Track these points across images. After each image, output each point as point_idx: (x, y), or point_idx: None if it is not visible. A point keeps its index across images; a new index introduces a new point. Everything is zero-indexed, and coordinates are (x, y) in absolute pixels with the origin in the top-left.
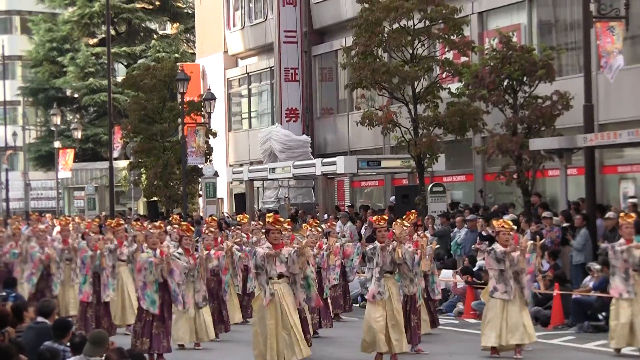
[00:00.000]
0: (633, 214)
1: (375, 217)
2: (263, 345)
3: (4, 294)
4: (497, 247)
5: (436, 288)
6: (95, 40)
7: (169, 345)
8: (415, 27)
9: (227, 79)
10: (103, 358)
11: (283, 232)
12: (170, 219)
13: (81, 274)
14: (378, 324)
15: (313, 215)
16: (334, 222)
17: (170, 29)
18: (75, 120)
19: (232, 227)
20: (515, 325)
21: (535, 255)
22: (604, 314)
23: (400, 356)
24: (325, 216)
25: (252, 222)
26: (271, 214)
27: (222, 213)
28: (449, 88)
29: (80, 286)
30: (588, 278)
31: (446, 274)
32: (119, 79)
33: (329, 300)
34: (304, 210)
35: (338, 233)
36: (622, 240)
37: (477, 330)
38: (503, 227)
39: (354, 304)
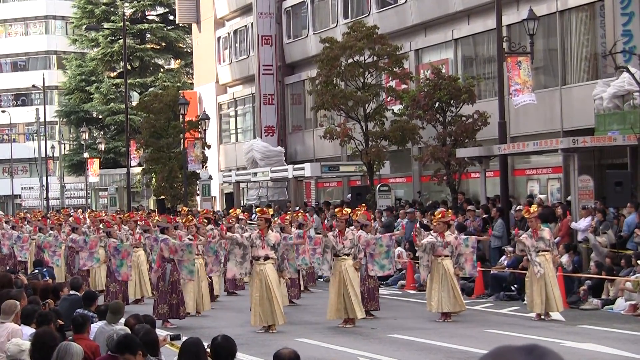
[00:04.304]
0: (535, 208)
1: (337, 209)
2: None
3: (36, 271)
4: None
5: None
6: (115, 73)
7: (183, 313)
8: (366, 61)
9: (219, 103)
10: (123, 322)
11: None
12: (180, 211)
13: (118, 259)
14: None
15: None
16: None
17: (174, 64)
18: (100, 136)
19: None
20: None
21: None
22: (515, 286)
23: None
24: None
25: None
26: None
27: (217, 211)
28: (393, 109)
29: (117, 268)
30: (503, 258)
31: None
32: (134, 103)
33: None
34: (279, 206)
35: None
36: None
37: (416, 299)
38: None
39: (318, 279)
